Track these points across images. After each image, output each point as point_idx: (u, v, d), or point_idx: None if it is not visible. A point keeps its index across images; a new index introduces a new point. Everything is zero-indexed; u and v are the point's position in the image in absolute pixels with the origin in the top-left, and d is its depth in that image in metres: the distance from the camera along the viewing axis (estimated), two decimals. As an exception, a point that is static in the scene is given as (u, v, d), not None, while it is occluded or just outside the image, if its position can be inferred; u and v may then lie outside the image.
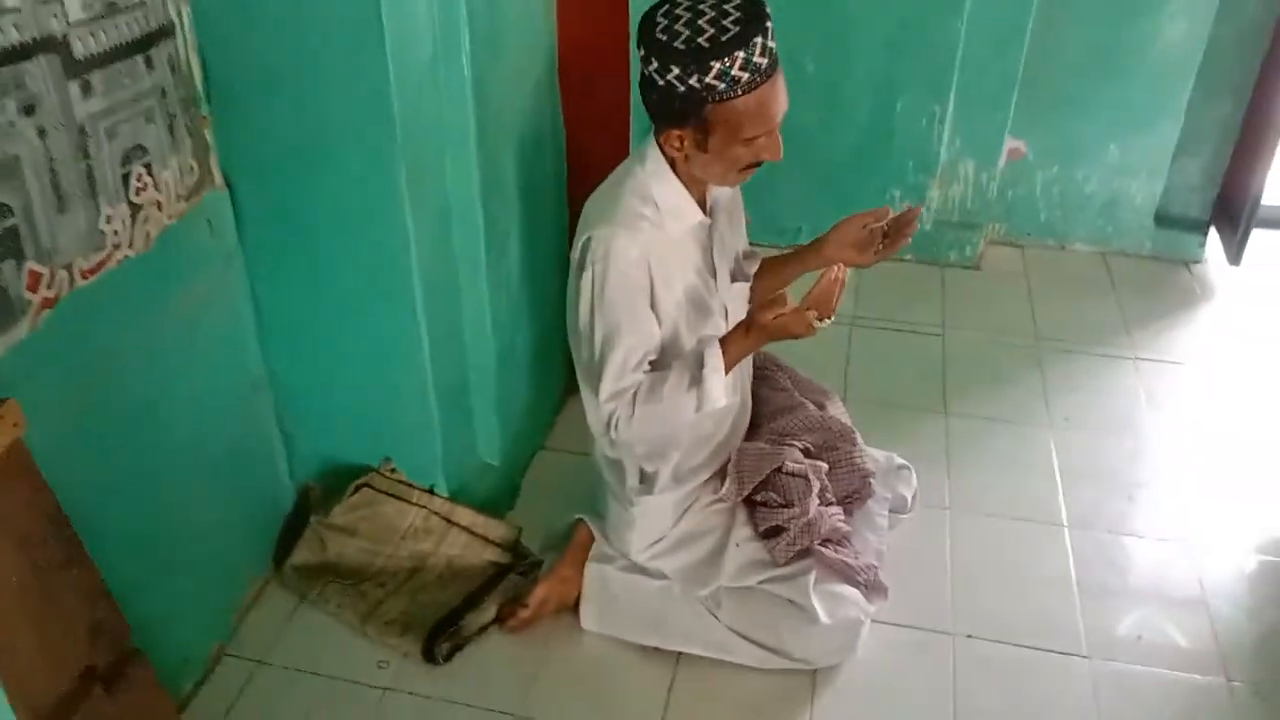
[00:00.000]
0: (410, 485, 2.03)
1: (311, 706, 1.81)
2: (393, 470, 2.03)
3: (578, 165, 2.35)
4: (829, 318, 1.56)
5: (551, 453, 2.45)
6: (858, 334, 2.87)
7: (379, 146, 1.66)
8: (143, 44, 1.52)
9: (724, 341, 1.66)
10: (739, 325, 1.68)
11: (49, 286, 1.38)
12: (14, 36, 1.28)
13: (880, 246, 1.78)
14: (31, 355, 1.35)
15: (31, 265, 1.35)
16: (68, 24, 1.37)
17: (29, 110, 1.32)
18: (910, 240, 1.79)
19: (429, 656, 1.86)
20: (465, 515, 2.04)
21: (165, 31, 1.57)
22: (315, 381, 1.96)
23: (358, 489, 2.00)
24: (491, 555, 2.04)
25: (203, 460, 1.80)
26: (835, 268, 1.57)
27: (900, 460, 2.13)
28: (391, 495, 2.00)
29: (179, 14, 1.59)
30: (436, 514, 2.02)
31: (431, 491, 2.04)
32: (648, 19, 1.54)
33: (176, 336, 1.67)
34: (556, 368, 2.53)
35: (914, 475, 2.14)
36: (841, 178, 3.20)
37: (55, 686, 1.29)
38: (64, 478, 1.40)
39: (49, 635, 1.28)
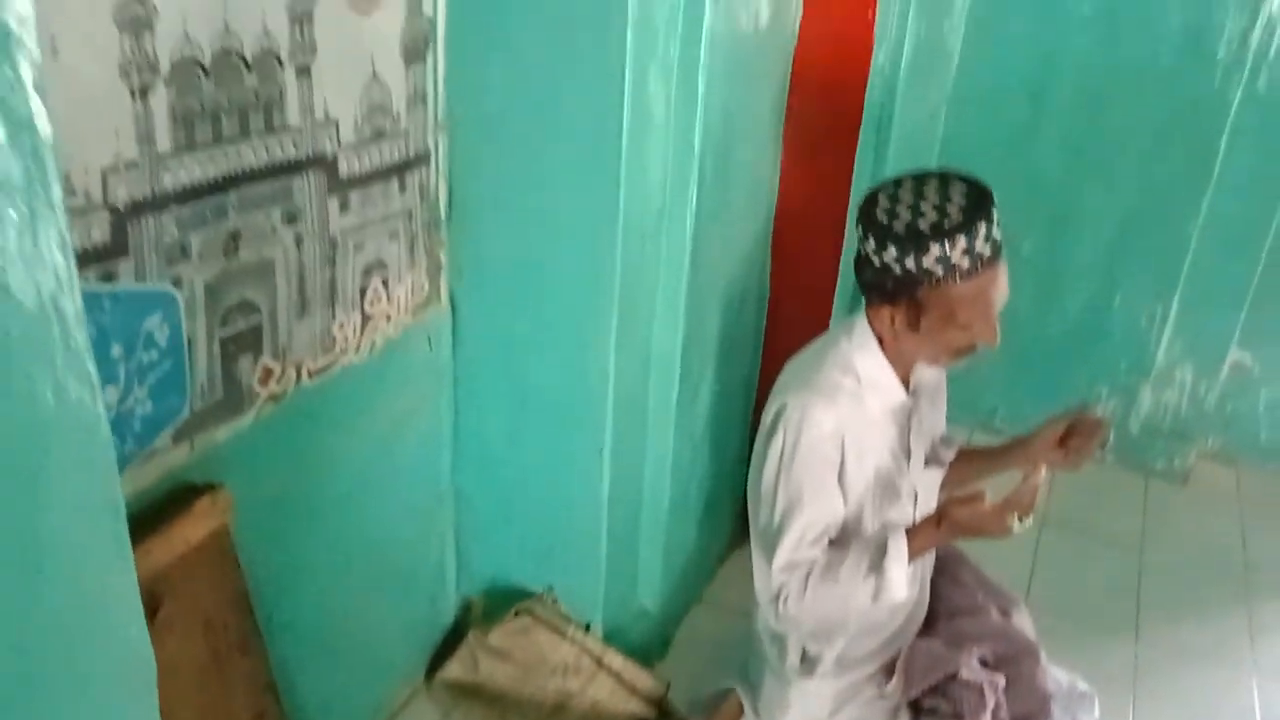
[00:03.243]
0: (568, 619, 2.01)
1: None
2: (554, 600, 2.02)
3: (777, 327, 2.36)
4: (1027, 519, 1.48)
5: (709, 607, 2.39)
6: (1047, 535, 2.71)
7: (598, 287, 1.71)
8: (400, 168, 1.63)
9: (911, 531, 1.59)
10: (929, 516, 1.60)
11: (278, 382, 1.46)
12: (290, 152, 1.40)
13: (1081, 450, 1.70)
14: (249, 445, 1.43)
15: (266, 361, 1.43)
16: (338, 145, 1.48)
17: (291, 219, 1.42)
18: (1101, 450, 1.69)
19: (559, 803, 1.81)
20: (616, 660, 2.00)
21: (421, 158, 1.68)
22: (496, 501, 1.99)
23: (518, 613, 1.99)
24: (636, 707, 1.98)
25: (380, 563, 1.84)
26: (1040, 469, 1.49)
27: (1083, 686, 1.96)
28: (549, 626, 1.99)
29: (436, 143, 1.71)
30: (589, 653, 1.99)
31: (587, 629, 2.02)
32: (870, 199, 1.54)
33: (379, 442, 1.73)
34: (725, 521, 2.49)
35: (1096, 705, 1.96)
36: (1047, 366, 3.08)
37: (209, 774, 1.31)
38: (251, 564, 1.47)
39: (214, 721, 1.31)
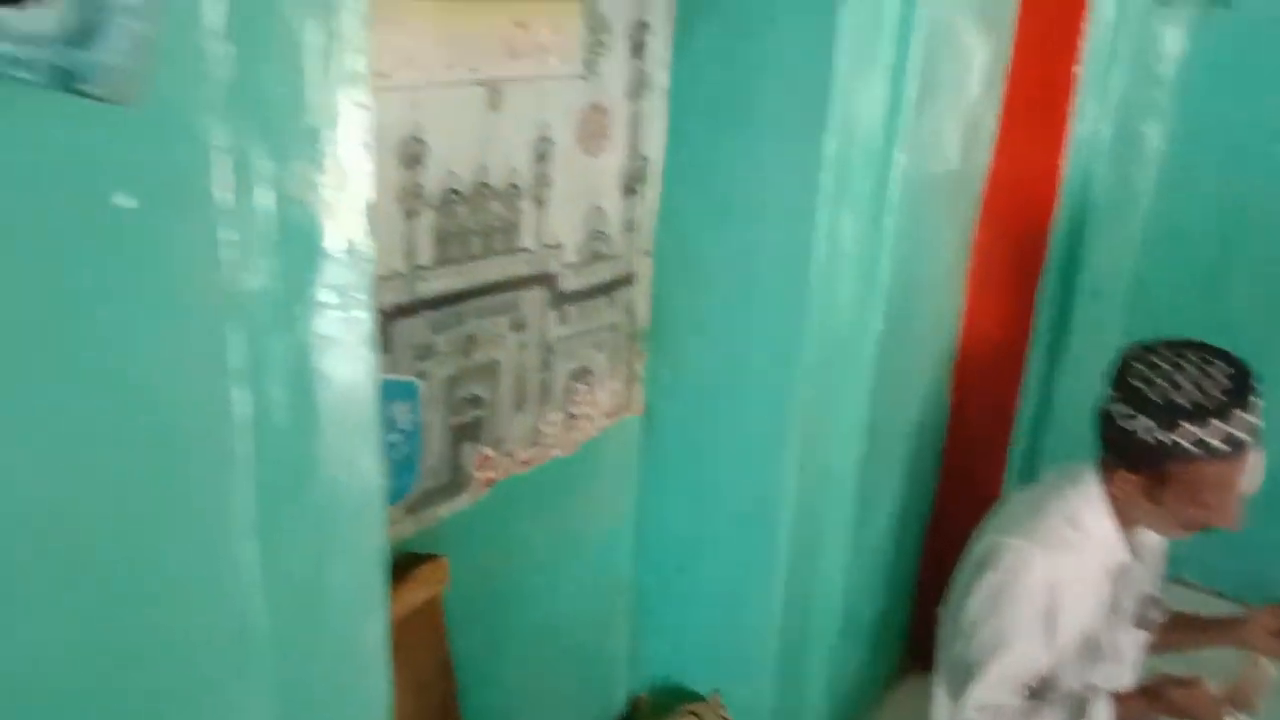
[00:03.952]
0: (732, 725, 2.07)
1: None
2: (721, 705, 2.09)
3: (955, 457, 2.41)
4: (1243, 716, 1.46)
5: (872, 732, 2.39)
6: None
7: (782, 405, 1.82)
8: (610, 287, 1.81)
9: (1118, 697, 1.58)
10: (1141, 687, 1.59)
11: (493, 469, 1.64)
12: (523, 270, 1.60)
13: None
14: (464, 524, 1.60)
15: (484, 449, 1.61)
16: (562, 265, 1.68)
17: (517, 327, 1.62)
18: None
19: None
20: (777, 771, 2.04)
21: (628, 279, 1.86)
22: (671, 601, 2.10)
23: (685, 714, 2.07)
24: (794, 820, 2.00)
25: (561, 647, 1.97)
26: (1267, 665, 1.47)
27: None
28: (713, 730, 2.05)
29: (642, 266, 1.89)
30: (751, 761, 2.04)
31: (750, 738, 2.07)
32: (1125, 362, 1.56)
33: (572, 534, 1.88)
34: (893, 647, 2.50)
35: None
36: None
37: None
38: (453, 634, 1.62)
39: (414, 773, 1.45)
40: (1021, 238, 2.33)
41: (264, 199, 0.76)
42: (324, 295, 0.85)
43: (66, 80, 0.56)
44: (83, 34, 0.56)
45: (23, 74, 0.55)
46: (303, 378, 0.84)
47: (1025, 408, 2.44)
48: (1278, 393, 2.88)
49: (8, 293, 0.58)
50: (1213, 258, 2.88)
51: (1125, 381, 1.52)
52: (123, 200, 0.62)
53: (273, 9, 0.71)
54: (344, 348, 0.87)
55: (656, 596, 2.11)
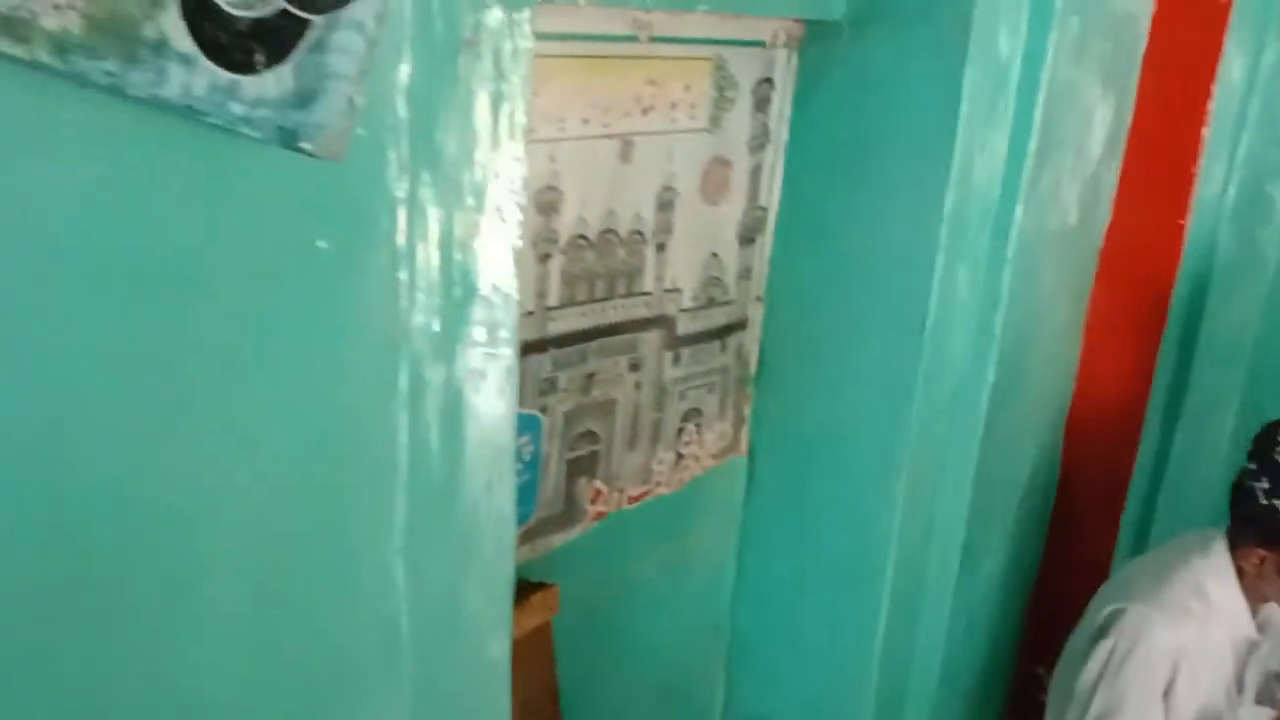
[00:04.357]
0: (826, 773, 2.07)
1: None
2: (814, 752, 2.09)
3: (1064, 517, 2.37)
4: None
5: (968, 791, 2.35)
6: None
7: (889, 456, 1.84)
8: (723, 331, 1.86)
9: None
10: None
11: (604, 503, 1.70)
12: (642, 313, 1.66)
13: None
14: (574, 554, 1.66)
15: (597, 484, 1.67)
16: (679, 309, 1.74)
17: (635, 367, 1.68)
18: None
19: None
20: (871, 823, 2.03)
21: (741, 324, 1.91)
22: (768, 643, 2.11)
23: (777, 758, 2.08)
24: None
25: (655, 682, 2.00)
26: None
27: None
28: (807, 776, 2.06)
29: (754, 312, 1.93)
30: (844, 811, 2.03)
31: (844, 788, 2.07)
32: (1268, 436, 1.55)
33: (673, 570, 1.92)
34: (993, 704, 2.46)
35: None
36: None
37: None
38: (558, 660, 1.67)
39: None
40: (1141, 298, 2.31)
41: (431, 244, 0.84)
42: (476, 332, 0.92)
43: (288, 138, 0.64)
44: (304, 98, 0.64)
45: (252, 132, 0.63)
46: (454, 407, 0.91)
47: (1140, 470, 2.40)
48: None
49: (232, 318, 0.66)
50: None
51: (1268, 456, 1.51)
52: (322, 243, 0.70)
53: (453, 74, 0.79)
54: (489, 381, 0.94)
55: (753, 639, 2.13)
